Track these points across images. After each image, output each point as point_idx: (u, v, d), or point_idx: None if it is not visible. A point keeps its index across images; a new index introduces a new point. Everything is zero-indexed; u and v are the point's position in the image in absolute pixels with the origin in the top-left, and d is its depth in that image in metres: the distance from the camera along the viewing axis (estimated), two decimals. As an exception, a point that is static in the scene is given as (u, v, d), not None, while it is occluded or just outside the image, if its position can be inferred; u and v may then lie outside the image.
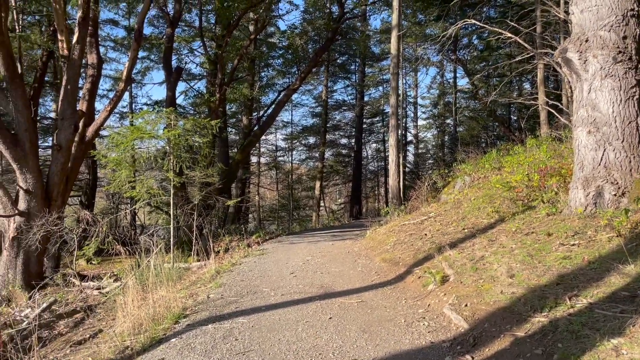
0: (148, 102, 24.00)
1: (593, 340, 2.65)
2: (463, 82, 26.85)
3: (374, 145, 32.12)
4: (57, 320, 6.78)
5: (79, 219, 9.05)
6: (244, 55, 17.53)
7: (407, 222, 8.97)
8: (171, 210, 8.98)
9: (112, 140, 9.14)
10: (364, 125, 28.79)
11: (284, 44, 21.16)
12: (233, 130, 26.16)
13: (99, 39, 12.27)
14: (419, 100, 31.66)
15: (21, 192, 8.95)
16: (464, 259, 5.11)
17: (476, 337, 3.39)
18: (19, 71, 9.51)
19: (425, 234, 7.34)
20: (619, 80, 5.01)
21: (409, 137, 30.60)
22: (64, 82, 9.63)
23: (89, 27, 10.07)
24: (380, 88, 29.47)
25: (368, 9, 22.49)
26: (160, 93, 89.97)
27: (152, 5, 13.98)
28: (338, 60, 26.89)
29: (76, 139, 9.87)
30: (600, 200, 4.93)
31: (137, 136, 8.75)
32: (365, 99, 28.80)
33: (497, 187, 7.76)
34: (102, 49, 17.38)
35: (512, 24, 9.85)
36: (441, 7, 15.01)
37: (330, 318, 4.34)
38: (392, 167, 12.33)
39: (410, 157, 30.70)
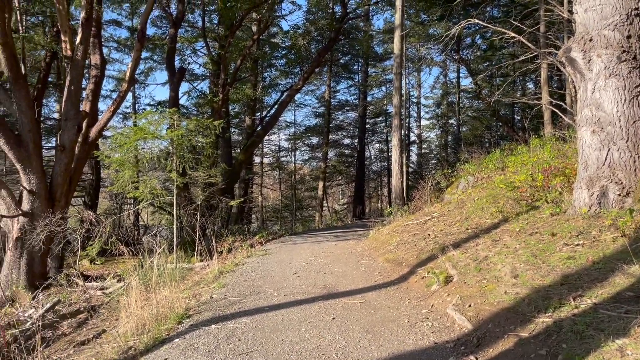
0: (151, 103, 24.12)
1: (597, 341, 2.63)
2: (466, 82, 26.86)
3: (377, 145, 32.13)
4: (60, 321, 6.81)
5: (83, 219, 9.07)
6: (247, 55, 17.54)
7: (411, 222, 8.94)
8: (174, 210, 8.99)
9: (115, 141, 9.16)
10: (367, 126, 28.76)
11: (286, 44, 21.19)
12: (236, 130, 26.23)
13: (102, 40, 12.30)
14: (422, 100, 31.68)
15: (25, 193, 8.99)
16: (468, 259, 5.09)
17: (480, 338, 3.37)
18: (23, 72, 9.55)
19: (429, 234, 7.32)
20: (623, 79, 4.98)
21: (412, 137, 30.64)
22: (67, 83, 9.68)
23: (92, 28, 10.12)
24: (383, 88, 29.52)
25: (371, 8, 22.51)
26: (163, 93, 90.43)
27: (155, 5, 14.02)
28: (341, 61, 26.87)
29: (79, 139, 9.90)
30: (604, 200, 4.91)
31: (141, 136, 8.76)
32: (368, 99, 28.80)
33: (501, 187, 7.72)
34: (105, 50, 17.45)
35: (516, 23, 9.83)
36: (444, 7, 15.00)
37: (333, 318, 4.34)
38: (395, 167, 12.31)
39: (414, 157, 30.72)
